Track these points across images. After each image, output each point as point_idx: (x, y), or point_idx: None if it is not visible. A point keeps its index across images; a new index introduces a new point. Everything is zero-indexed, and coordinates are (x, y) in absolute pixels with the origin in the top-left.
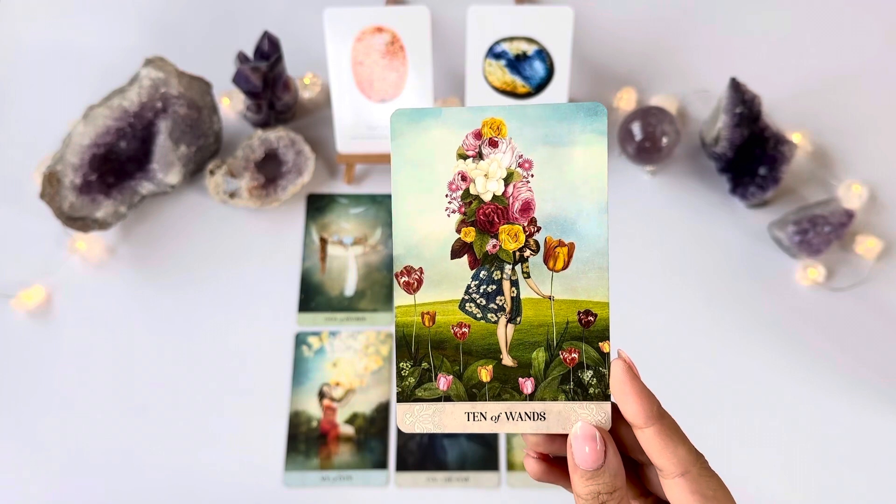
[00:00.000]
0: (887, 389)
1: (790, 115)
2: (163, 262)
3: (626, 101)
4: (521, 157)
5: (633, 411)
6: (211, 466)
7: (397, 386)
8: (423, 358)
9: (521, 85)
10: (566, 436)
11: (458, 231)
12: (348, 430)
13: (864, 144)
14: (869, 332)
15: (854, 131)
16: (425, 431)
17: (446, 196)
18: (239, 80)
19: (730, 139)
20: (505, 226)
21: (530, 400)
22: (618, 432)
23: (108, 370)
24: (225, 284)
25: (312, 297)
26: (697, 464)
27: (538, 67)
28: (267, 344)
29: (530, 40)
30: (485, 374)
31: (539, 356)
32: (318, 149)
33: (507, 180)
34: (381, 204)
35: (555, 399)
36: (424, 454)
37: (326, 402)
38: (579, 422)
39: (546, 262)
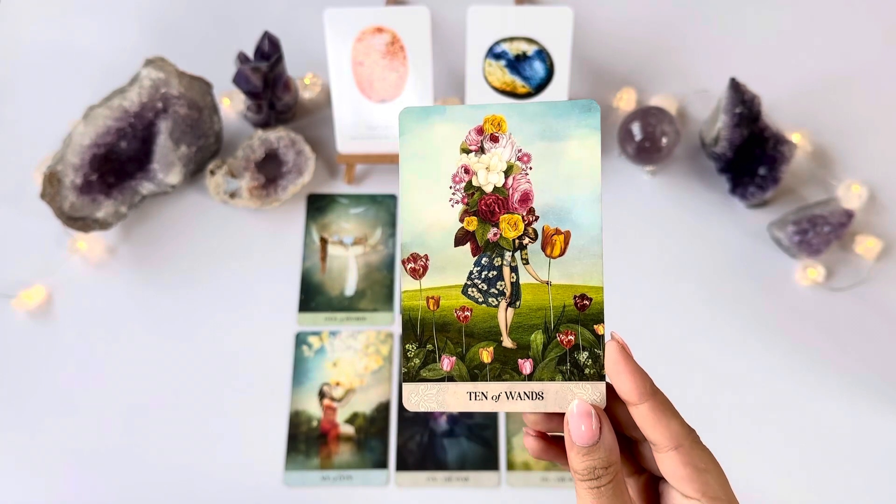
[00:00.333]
0: (887, 389)
1: (790, 115)
2: (163, 262)
3: (626, 101)
4: (520, 151)
5: (627, 389)
6: (211, 466)
7: (403, 367)
8: (427, 340)
9: (520, 85)
10: (563, 414)
11: (462, 220)
12: (348, 429)
13: (863, 144)
14: (869, 332)
15: (854, 131)
16: (429, 410)
17: (450, 188)
18: (239, 80)
19: (729, 139)
20: (505, 215)
21: (529, 380)
22: (612, 411)
23: (108, 370)
24: (225, 284)
25: (313, 296)
26: (690, 437)
27: (538, 68)
28: (267, 344)
29: (530, 40)
30: (486, 355)
31: (537, 338)
32: (319, 149)
33: (508, 173)
34: (381, 204)
35: (552, 379)
36: (424, 454)
37: (327, 401)
38: (575, 400)
39: (544, 249)
